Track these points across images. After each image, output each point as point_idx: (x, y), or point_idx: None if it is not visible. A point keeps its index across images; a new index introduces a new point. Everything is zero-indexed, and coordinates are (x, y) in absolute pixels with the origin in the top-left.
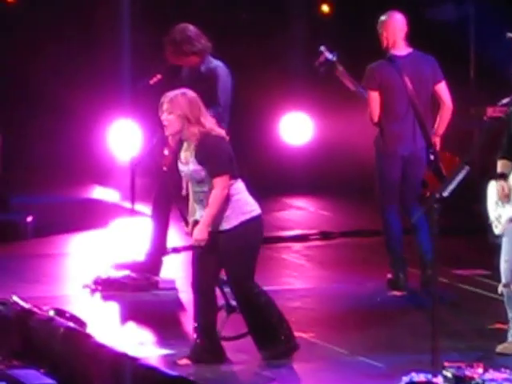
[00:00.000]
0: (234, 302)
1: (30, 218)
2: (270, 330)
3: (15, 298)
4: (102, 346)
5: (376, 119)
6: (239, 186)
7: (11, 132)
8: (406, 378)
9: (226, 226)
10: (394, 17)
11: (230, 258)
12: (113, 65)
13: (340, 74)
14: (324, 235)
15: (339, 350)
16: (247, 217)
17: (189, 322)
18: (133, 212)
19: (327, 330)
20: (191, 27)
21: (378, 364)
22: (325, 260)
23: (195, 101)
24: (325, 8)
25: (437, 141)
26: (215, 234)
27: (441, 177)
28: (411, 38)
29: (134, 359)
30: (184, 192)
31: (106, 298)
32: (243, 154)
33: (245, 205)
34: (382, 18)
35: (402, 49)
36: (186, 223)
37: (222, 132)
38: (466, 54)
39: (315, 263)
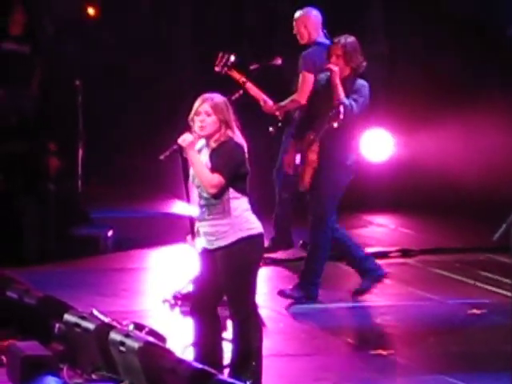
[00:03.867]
0: None
1: (110, 232)
2: (245, 359)
3: (95, 312)
4: (181, 362)
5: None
6: (243, 203)
7: (91, 146)
8: None
9: (223, 242)
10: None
11: (226, 276)
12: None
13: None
14: (404, 252)
15: (419, 367)
16: (245, 234)
17: (267, 337)
18: None
19: (407, 348)
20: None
21: (457, 381)
22: (405, 277)
23: (230, 107)
24: None
25: None
26: (213, 251)
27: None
28: (495, 55)
29: (212, 375)
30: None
31: (185, 313)
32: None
33: (244, 222)
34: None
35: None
36: (193, 236)
37: (243, 142)
38: None
39: (395, 280)
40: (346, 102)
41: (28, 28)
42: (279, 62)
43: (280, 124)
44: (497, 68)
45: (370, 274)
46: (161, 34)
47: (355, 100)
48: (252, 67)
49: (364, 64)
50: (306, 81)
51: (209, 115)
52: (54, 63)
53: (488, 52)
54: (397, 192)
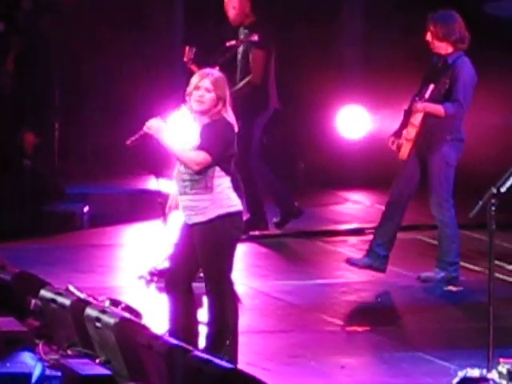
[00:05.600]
0: None
1: (86, 208)
2: (220, 336)
3: (71, 288)
4: (157, 338)
5: None
6: (225, 181)
7: (67, 122)
8: (460, 373)
9: (202, 218)
10: None
11: (203, 252)
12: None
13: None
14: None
15: (394, 343)
16: (225, 211)
17: (243, 314)
18: None
19: (382, 324)
20: None
21: (433, 359)
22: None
23: (227, 83)
24: None
25: None
26: (191, 226)
27: None
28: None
29: (188, 351)
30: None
31: (161, 289)
32: (300, 147)
33: (226, 199)
34: None
35: None
36: (165, 218)
37: (234, 121)
38: None
39: None
40: (449, 106)
41: (3, 4)
42: (255, 38)
43: None
44: (476, 45)
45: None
46: (141, 9)
47: (464, 91)
48: (228, 44)
49: (467, 36)
50: (262, 59)
51: (209, 91)
52: (30, 39)
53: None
54: (373, 169)
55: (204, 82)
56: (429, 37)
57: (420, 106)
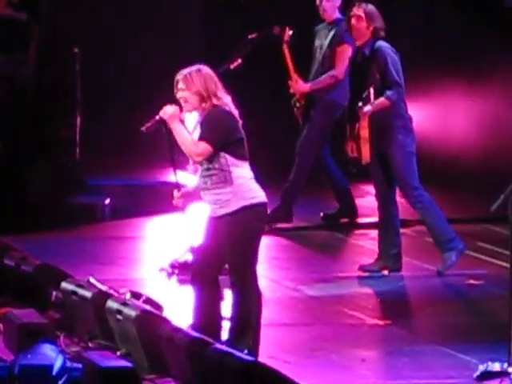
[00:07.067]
0: None
1: (107, 201)
2: (243, 329)
3: (92, 280)
4: (177, 330)
5: None
6: (245, 170)
7: (89, 114)
8: (481, 367)
9: (226, 210)
10: None
11: (229, 244)
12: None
13: None
14: (401, 222)
15: (415, 337)
16: (248, 202)
17: (264, 307)
18: None
19: (404, 318)
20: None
21: (454, 352)
22: (402, 247)
23: (210, 76)
24: None
25: None
26: (217, 219)
27: None
28: (490, 27)
29: (209, 343)
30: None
31: (182, 281)
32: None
33: (247, 191)
34: None
35: None
36: (178, 189)
37: (234, 110)
38: None
39: None
40: (390, 93)
41: None
42: (277, 30)
43: (299, 105)
44: (497, 38)
45: None
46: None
47: (397, 71)
48: (250, 36)
49: (384, 27)
50: (347, 54)
51: (183, 90)
52: (52, 30)
53: (487, 24)
54: None
55: (179, 84)
56: (354, 21)
57: (368, 109)
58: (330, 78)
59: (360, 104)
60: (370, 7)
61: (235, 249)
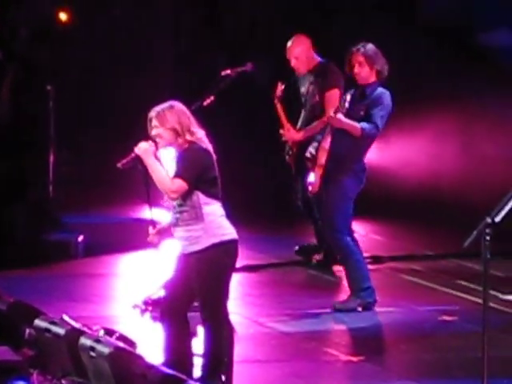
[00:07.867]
0: None
1: (81, 238)
2: (215, 366)
3: (65, 318)
4: (151, 367)
5: None
6: (216, 208)
7: (64, 152)
8: None
9: (196, 247)
10: None
11: (198, 281)
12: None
13: None
14: (375, 259)
15: (389, 373)
16: (218, 240)
17: (237, 344)
18: None
19: (378, 355)
20: None
21: None
22: (375, 284)
23: (182, 111)
24: None
25: None
26: (187, 256)
27: None
28: (464, 64)
29: (182, 380)
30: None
31: (155, 318)
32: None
33: (218, 227)
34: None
35: None
36: (154, 226)
37: (209, 146)
38: None
39: None
40: (366, 126)
41: (0, 33)
42: (249, 67)
43: (291, 153)
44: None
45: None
46: (138, 43)
47: (382, 117)
48: (223, 73)
49: (387, 67)
50: (337, 98)
51: (157, 127)
52: (25, 69)
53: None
54: (367, 198)
55: (153, 122)
56: (357, 68)
57: (339, 115)
58: (322, 124)
59: (332, 113)
60: (369, 48)
61: (204, 285)
